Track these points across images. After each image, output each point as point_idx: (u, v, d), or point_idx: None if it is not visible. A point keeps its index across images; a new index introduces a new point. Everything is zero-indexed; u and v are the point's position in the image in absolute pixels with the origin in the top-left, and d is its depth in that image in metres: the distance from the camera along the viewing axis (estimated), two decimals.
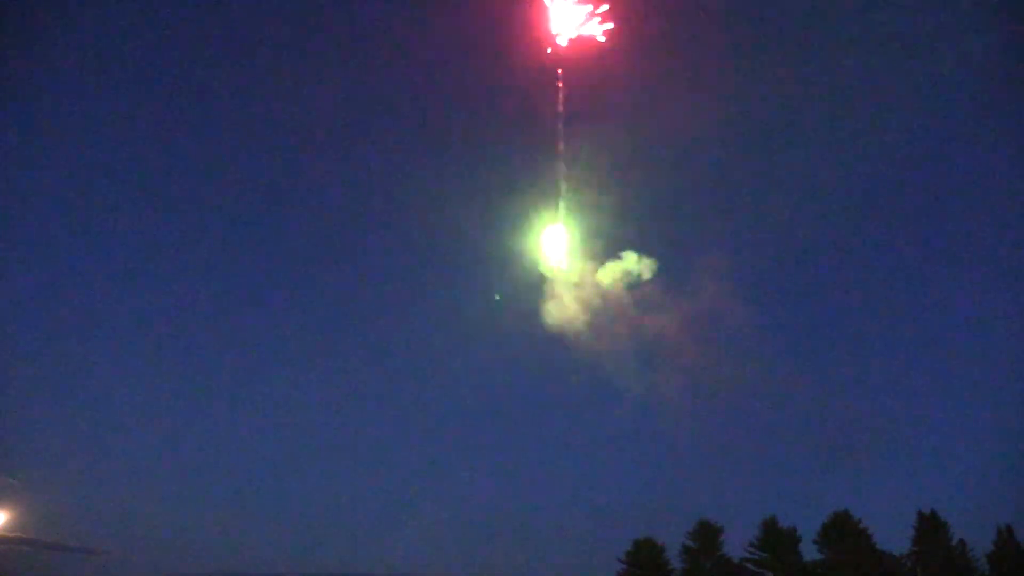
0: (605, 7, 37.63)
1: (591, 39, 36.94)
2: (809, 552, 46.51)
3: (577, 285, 36.25)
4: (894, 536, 45.78)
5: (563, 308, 36.93)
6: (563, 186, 36.44)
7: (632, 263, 36.39)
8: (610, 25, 37.24)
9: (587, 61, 37.03)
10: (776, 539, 47.45)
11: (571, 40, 37.13)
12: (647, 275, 36.13)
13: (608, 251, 36.28)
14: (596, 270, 36.58)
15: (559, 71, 37.02)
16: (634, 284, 35.68)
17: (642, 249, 35.35)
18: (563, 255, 36.74)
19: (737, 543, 48.53)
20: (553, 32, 37.00)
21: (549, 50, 36.81)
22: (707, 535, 49.27)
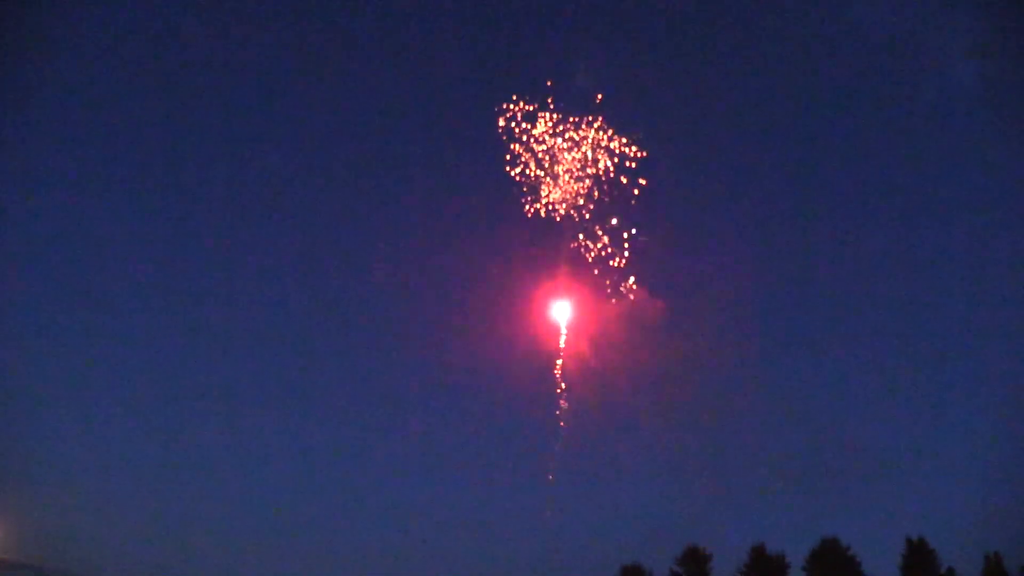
0: None
1: None
2: None
3: (572, 311, 34.10)
4: (882, 563, 45.90)
5: (555, 334, 34.78)
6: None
7: (630, 293, 33.73)
8: None
9: None
10: (765, 565, 47.56)
11: None
12: (642, 304, 33.70)
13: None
14: (594, 299, 34.28)
15: None
16: (626, 313, 33.71)
17: (638, 279, 32.40)
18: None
19: (726, 569, 48.78)
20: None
21: None
22: (696, 561, 49.18)
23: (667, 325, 31.66)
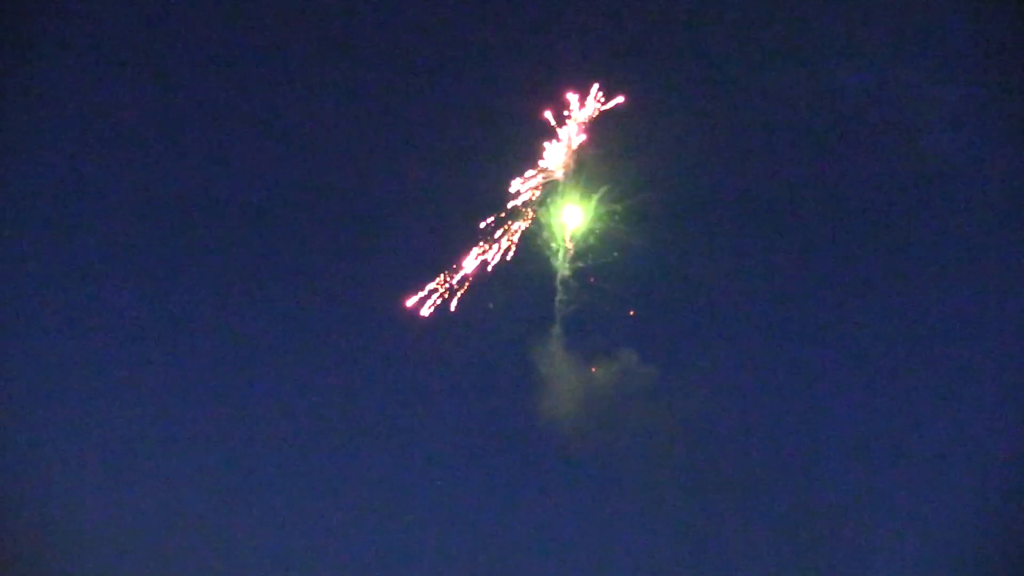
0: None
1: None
2: None
3: (568, 376, 35.78)
4: None
5: (550, 398, 36.51)
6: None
7: (629, 358, 35.72)
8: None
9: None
10: None
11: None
12: (641, 367, 35.55)
13: (604, 345, 35.45)
14: (591, 362, 35.96)
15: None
16: (625, 375, 35.61)
17: (639, 343, 33.96)
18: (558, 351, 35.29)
19: None
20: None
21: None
22: None
23: (658, 387, 32.98)
